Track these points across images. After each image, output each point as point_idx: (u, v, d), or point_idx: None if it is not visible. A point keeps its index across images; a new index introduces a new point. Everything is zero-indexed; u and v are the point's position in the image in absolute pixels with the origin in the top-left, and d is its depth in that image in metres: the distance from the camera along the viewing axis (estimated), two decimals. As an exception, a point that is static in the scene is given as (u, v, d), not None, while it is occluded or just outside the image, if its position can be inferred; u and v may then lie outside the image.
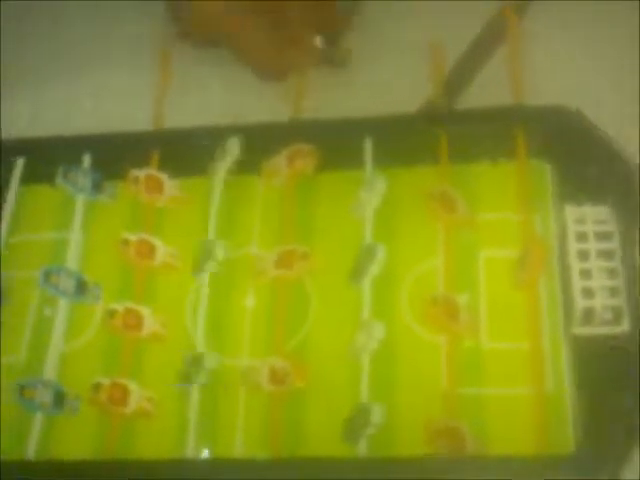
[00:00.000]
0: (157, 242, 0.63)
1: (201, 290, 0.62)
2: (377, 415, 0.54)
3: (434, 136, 0.62)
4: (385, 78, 0.68)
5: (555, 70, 0.65)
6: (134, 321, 0.60)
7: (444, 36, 0.66)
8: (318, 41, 0.67)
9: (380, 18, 0.70)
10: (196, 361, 0.59)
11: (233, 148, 0.64)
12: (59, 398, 0.60)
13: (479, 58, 0.67)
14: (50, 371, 0.61)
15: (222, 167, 0.65)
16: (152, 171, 0.65)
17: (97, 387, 0.58)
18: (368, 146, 0.63)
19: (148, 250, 0.63)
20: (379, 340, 0.57)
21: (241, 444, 0.57)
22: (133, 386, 0.58)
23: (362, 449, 0.54)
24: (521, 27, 0.65)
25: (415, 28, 0.69)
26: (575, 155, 0.60)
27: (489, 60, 0.67)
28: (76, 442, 0.59)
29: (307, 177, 0.64)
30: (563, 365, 0.55)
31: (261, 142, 0.65)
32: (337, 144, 0.64)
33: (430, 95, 0.66)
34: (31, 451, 0.58)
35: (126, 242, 0.63)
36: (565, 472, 0.52)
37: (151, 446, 0.58)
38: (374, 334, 0.57)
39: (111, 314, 0.61)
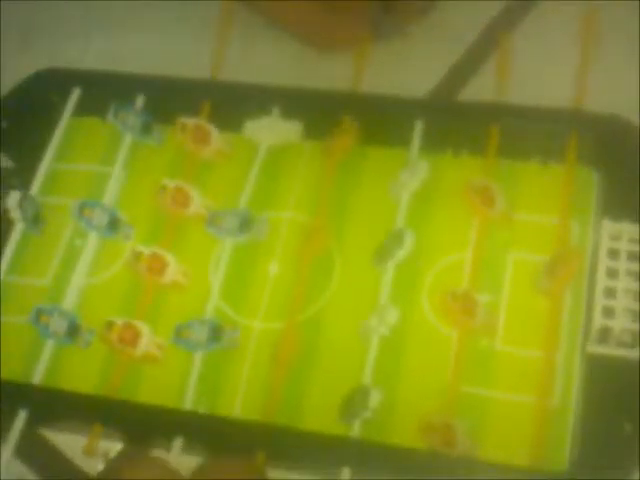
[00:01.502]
0: (194, 193, 0.63)
1: (228, 248, 0.62)
2: (375, 399, 0.54)
3: (485, 128, 0.61)
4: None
5: (614, 79, 0.63)
6: (158, 266, 0.61)
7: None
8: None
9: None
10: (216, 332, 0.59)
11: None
12: (73, 329, 0.60)
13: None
14: (69, 301, 0.61)
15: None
16: (201, 121, 0.65)
17: (110, 325, 0.59)
18: (418, 128, 0.62)
19: (184, 199, 0.63)
20: (391, 326, 0.56)
21: (240, 406, 0.57)
22: (145, 330, 0.59)
23: (356, 431, 0.54)
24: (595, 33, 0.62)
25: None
26: (625, 169, 0.58)
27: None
28: (82, 375, 0.60)
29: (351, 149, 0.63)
30: (574, 381, 0.54)
31: (312, 110, 0.65)
32: (387, 121, 0.63)
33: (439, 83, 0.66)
34: (38, 376, 0.59)
35: (164, 188, 0.63)
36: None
37: (154, 391, 0.59)
38: (387, 319, 0.56)
39: (137, 256, 0.61)
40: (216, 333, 0.58)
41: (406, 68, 0.67)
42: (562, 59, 0.64)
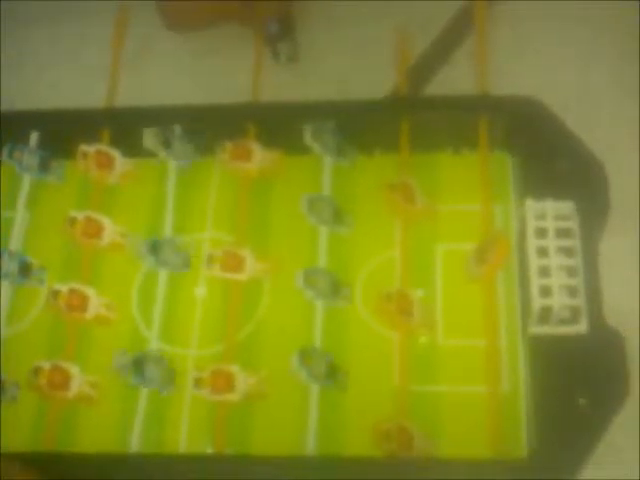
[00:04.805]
0: (105, 220, 0.60)
1: (150, 274, 0.60)
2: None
3: (396, 123, 0.60)
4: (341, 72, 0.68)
5: (522, 61, 0.63)
6: (78, 302, 0.58)
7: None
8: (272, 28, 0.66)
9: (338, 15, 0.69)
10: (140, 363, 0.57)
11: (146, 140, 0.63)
12: (-4, 387, 0.57)
13: (446, 46, 0.66)
14: (-11, 358, 0.58)
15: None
16: (103, 146, 0.63)
17: (37, 371, 0.56)
18: (329, 131, 0.61)
19: (96, 229, 0.60)
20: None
21: (186, 438, 0.55)
22: (75, 370, 0.56)
23: (310, 448, 0.53)
24: (489, 17, 0.63)
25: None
26: (539, 148, 0.58)
27: (456, 49, 0.66)
28: (15, 431, 0.56)
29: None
30: (520, 364, 0.54)
31: (216, 125, 0.63)
32: (291, 128, 0.62)
33: (395, 83, 0.64)
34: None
35: (72, 221, 0.60)
36: (517, 475, 0.50)
37: (92, 437, 0.56)
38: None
39: (54, 295, 0.58)
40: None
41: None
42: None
